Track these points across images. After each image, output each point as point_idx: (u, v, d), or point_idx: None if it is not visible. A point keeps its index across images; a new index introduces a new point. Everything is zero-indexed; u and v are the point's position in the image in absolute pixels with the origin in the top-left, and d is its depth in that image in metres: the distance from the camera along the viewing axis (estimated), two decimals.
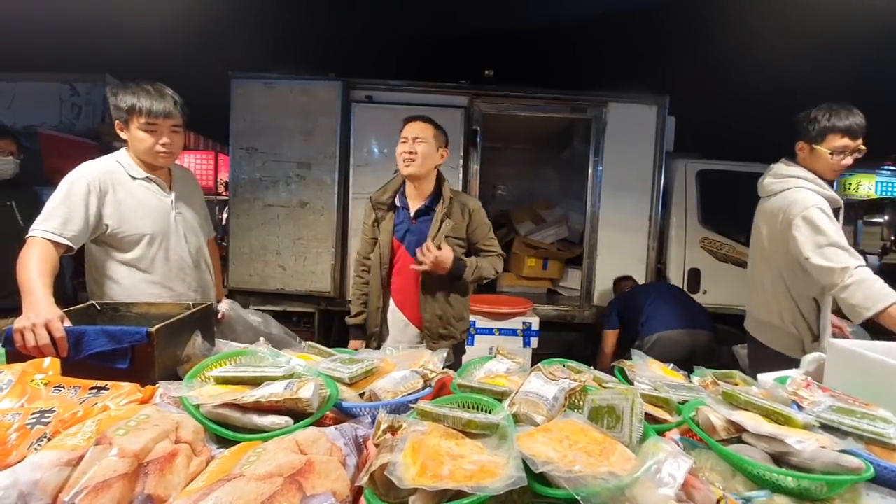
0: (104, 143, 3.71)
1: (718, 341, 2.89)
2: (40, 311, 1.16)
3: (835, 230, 1.63)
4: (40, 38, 4.17)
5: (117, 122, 1.55)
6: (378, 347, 1.83)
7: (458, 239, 1.85)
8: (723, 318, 3.44)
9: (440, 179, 1.89)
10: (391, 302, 1.90)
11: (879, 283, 1.54)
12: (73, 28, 3.90)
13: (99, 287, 1.59)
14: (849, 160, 1.74)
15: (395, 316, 1.89)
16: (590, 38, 4.54)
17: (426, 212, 1.85)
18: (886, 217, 4.90)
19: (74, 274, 3.10)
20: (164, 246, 1.62)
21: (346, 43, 4.79)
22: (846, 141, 1.71)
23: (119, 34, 3.99)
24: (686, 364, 1.36)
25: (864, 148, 1.73)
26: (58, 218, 1.42)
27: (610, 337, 3.08)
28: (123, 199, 1.54)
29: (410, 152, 1.75)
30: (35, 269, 1.31)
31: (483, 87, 3.51)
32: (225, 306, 1.85)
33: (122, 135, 1.57)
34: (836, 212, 1.75)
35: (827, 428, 0.90)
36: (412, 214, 1.85)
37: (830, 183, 1.80)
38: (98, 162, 1.57)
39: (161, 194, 1.64)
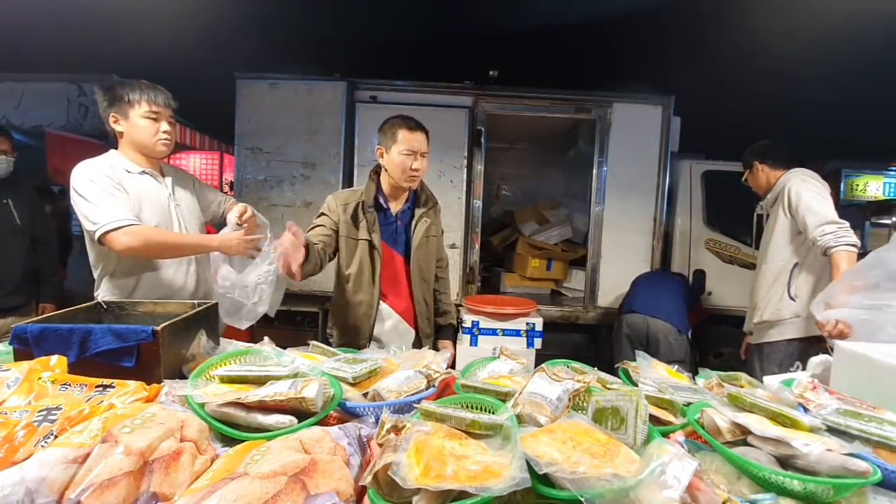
0: (110, 142, 3.73)
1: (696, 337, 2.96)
2: (231, 237, 1.61)
3: None
4: (48, 38, 4.21)
5: (112, 114, 1.57)
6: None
7: (437, 237, 1.92)
8: (727, 319, 3.42)
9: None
10: (383, 305, 1.83)
11: None
12: (80, 29, 3.94)
13: (104, 282, 1.61)
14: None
15: (390, 318, 1.84)
16: (595, 38, 4.53)
17: (407, 213, 1.86)
18: (894, 219, 4.83)
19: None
20: None
21: (350, 43, 4.80)
22: None
23: (125, 35, 4.03)
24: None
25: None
26: (116, 207, 1.47)
27: None
28: (128, 193, 1.56)
29: (416, 169, 1.72)
30: (174, 234, 1.59)
31: (487, 87, 3.50)
32: (241, 208, 1.78)
33: (118, 127, 1.59)
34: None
35: (834, 431, 0.89)
36: (395, 216, 1.83)
37: None
38: (97, 160, 1.58)
39: (158, 187, 1.66)
